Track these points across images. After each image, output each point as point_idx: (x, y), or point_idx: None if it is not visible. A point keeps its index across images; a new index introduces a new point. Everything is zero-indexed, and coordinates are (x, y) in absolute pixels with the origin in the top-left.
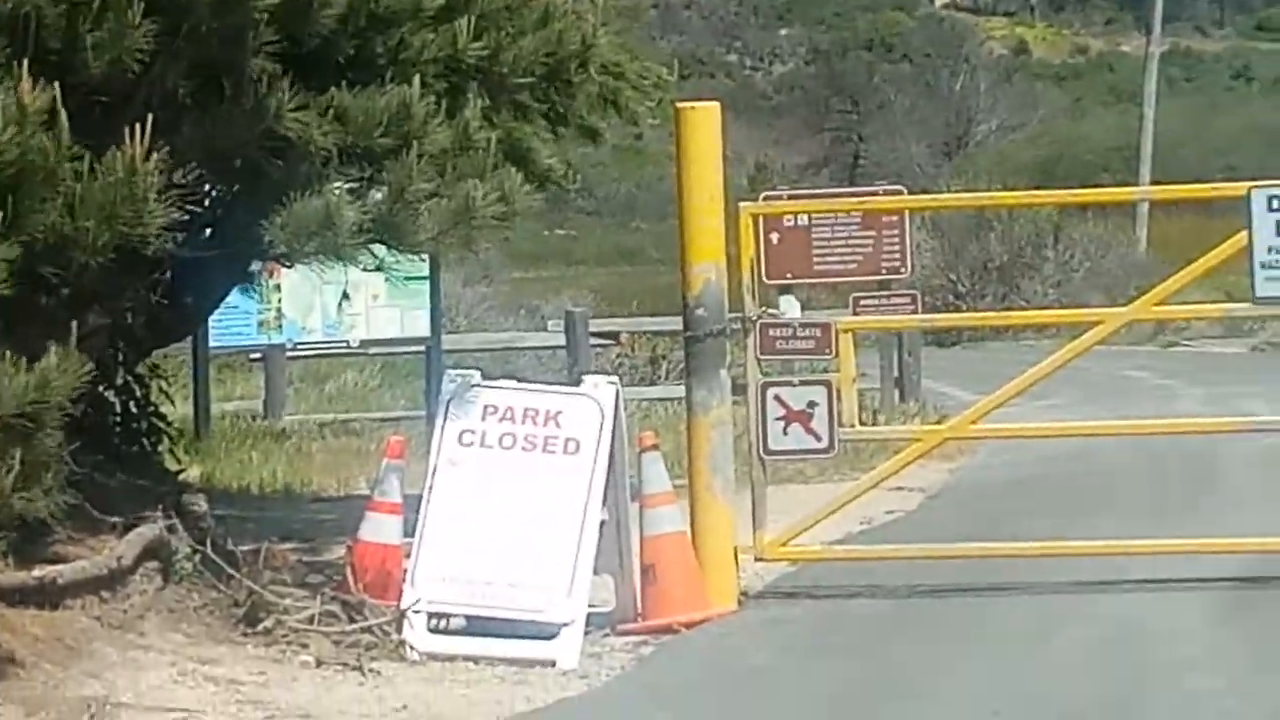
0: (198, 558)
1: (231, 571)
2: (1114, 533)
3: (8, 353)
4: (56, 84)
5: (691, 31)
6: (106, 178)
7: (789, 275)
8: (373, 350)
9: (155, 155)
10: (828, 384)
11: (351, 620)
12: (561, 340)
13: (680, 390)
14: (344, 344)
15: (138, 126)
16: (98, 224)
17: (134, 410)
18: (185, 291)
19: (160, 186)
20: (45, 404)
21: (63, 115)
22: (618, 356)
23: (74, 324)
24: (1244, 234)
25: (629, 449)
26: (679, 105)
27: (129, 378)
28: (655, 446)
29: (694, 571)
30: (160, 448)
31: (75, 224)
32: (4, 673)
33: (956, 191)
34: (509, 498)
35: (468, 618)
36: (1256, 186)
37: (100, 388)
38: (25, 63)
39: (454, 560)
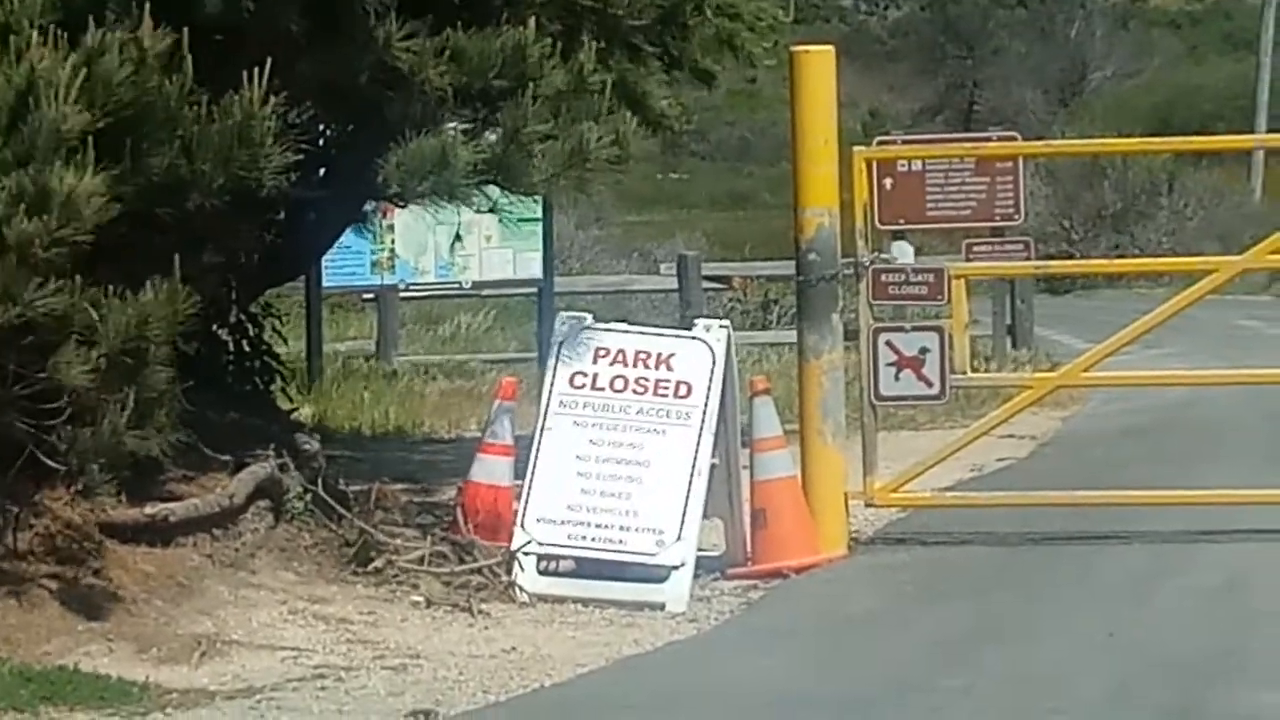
0: (309, 497)
1: (342, 511)
2: (1225, 482)
3: (117, 290)
4: (185, 29)
5: None
6: (224, 121)
7: (902, 220)
8: (485, 292)
9: (273, 99)
10: (940, 330)
11: (461, 561)
12: (674, 284)
13: (792, 335)
14: (456, 285)
15: (255, 70)
16: (214, 166)
17: (247, 349)
18: (299, 231)
19: (277, 130)
20: (147, 339)
21: (188, 60)
22: (730, 301)
23: (176, 259)
24: None
25: (740, 393)
26: (793, 49)
27: (242, 316)
28: (767, 391)
29: (804, 516)
30: (273, 387)
31: (192, 166)
32: (116, 609)
33: (1070, 138)
34: (619, 440)
35: (577, 560)
36: None
37: (214, 326)
38: (145, 4)
39: (564, 502)
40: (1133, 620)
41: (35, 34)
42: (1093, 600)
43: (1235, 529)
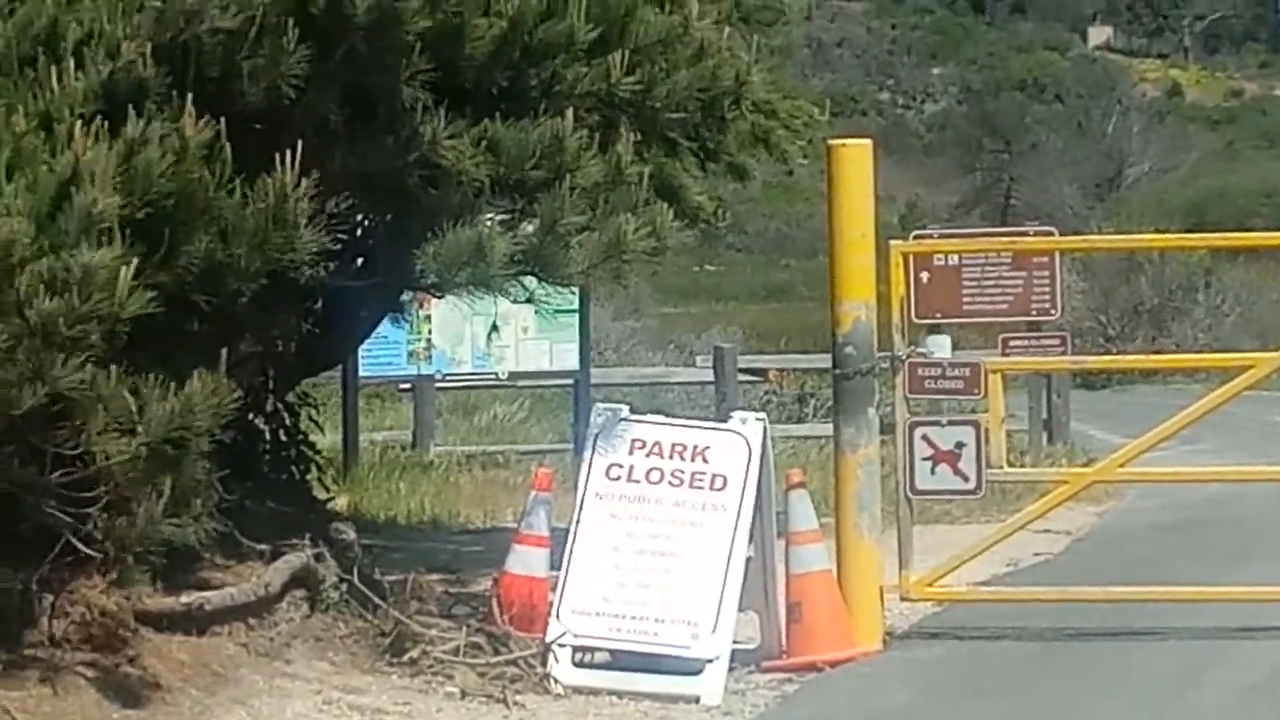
0: (344, 587)
1: (378, 601)
2: (1261, 578)
3: (156, 377)
4: (221, 118)
5: (844, 69)
6: (258, 204)
7: (938, 314)
8: (521, 383)
9: (305, 181)
10: (976, 424)
11: (496, 652)
12: (710, 376)
13: (828, 428)
14: (493, 376)
15: (288, 153)
16: (249, 251)
17: (283, 438)
18: (336, 320)
19: (311, 213)
20: (190, 429)
21: (226, 149)
22: (766, 393)
23: (224, 351)
24: None
25: (776, 486)
26: (831, 143)
27: (279, 405)
28: (802, 484)
29: (839, 610)
30: (309, 476)
31: (228, 250)
32: (151, 698)
33: (1107, 233)
34: (655, 533)
35: (612, 652)
36: None
37: (250, 415)
38: (188, 95)
39: (600, 594)
40: (1170, 717)
41: (79, 124)
42: (1130, 697)
43: (1272, 625)
